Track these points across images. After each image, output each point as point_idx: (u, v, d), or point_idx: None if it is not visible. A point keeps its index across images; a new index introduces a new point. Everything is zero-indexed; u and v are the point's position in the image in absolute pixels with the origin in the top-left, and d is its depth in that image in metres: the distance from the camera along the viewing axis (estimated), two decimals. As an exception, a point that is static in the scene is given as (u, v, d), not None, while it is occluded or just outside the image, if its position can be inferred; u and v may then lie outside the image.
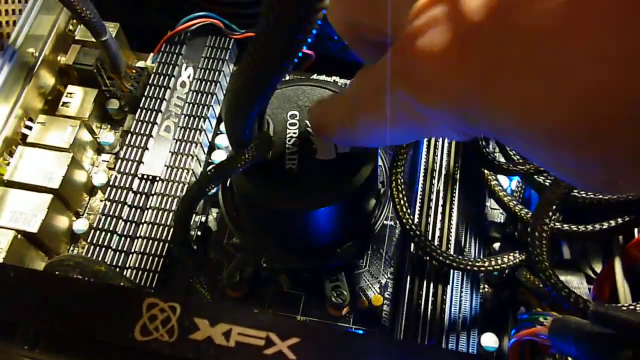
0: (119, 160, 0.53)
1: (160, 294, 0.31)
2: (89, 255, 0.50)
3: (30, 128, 0.55)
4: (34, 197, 0.51)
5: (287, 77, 0.63)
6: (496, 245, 0.52)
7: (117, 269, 0.49)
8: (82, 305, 0.32)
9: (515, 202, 0.48)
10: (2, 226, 0.50)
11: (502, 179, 0.52)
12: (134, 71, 0.58)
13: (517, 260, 0.45)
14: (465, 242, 0.49)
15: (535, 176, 0.47)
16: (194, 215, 0.53)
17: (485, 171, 0.49)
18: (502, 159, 0.50)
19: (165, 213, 0.51)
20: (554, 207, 0.40)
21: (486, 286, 0.51)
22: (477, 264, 0.45)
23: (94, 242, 0.50)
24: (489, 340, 0.47)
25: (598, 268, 0.48)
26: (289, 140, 0.46)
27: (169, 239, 0.50)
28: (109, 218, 0.51)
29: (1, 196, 0.51)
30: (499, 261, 0.45)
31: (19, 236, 0.50)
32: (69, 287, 0.33)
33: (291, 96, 0.48)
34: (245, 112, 0.36)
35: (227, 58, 0.59)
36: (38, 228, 0.50)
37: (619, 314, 0.29)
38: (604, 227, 0.44)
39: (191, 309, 0.31)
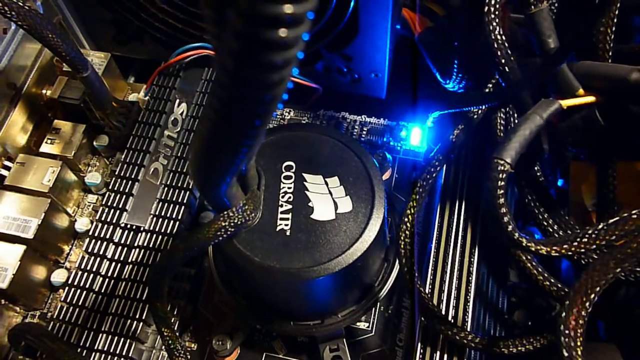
0: (101, 207, 0.48)
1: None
2: (62, 315, 0.45)
3: (8, 169, 0.50)
4: (5, 249, 0.46)
5: (282, 122, 0.58)
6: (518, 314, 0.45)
7: (92, 332, 0.44)
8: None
9: (544, 277, 0.41)
10: (-32, 281, 0.45)
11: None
12: (120, 106, 0.52)
13: (543, 342, 0.39)
14: (482, 312, 0.43)
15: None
16: (181, 267, 0.48)
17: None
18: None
19: (148, 269, 0.46)
20: (596, 293, 0.33)
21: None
22: (496, 345, 0.39)
23: (68, 300, 0.45)
24: None
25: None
26: (282, 197, 0.40)
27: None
28: (85, 273, 0.46)
29: (-30, 247, 0.47)
30: (523, 342, 0.39)
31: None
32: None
33: (287, 144, 0.43)
34: (217, 180, 0.30)
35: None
36: (8, 284, 0.45)
37: None
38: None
39: None
